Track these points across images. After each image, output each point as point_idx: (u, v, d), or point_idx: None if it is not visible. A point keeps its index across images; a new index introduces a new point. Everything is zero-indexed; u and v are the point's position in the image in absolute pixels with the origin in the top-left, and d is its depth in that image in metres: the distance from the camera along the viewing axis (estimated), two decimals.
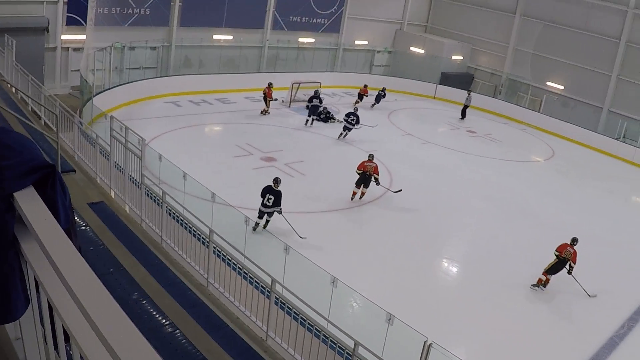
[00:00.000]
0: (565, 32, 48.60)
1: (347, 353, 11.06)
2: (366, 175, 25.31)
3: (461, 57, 55.25)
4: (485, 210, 27.12)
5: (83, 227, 12.86)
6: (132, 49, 37.62)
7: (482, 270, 21.87)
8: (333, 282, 13.63)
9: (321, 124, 36.68)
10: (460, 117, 46.15)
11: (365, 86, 44.37)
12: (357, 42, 53.20)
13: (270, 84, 36.39)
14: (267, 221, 21.92)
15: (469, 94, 47.31)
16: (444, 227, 24.93)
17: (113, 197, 17.34)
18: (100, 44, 33.55)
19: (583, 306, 20.23)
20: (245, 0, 43.34)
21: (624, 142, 43.48)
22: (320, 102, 36.58)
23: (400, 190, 26.44)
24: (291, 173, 27.73)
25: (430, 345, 10.77)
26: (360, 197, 25.70)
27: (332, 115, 37.49)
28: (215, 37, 42.64)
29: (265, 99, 36.71)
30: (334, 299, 13.66)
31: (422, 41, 55.63)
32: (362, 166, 25.33)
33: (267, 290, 12.19)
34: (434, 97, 50.10)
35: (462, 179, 30.15)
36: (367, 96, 43.57)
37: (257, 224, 21.44)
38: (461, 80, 54.23)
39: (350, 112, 35.00)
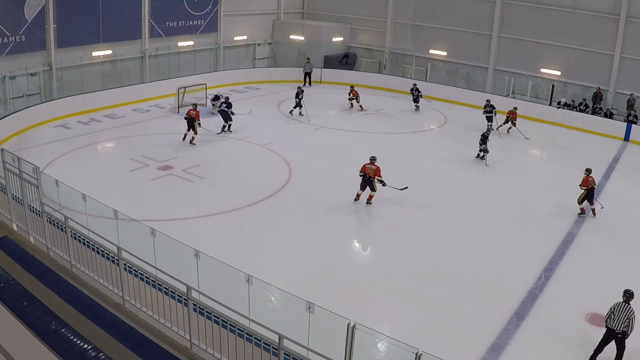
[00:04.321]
0: None
1: (273, 348, 11.08)
2: (366, 178, 25.09)
3: (341, 38, 55.76)
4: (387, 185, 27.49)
5: None
6: (13, 78, 36.78)
7: (392, 244, 22.31)
8: (248, 280, 13.65)
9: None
10: (303, 84, 48.31)
11: (515, 109, 38.67)
12: (236, 38, 53.01)
13: (194, 105, 34.12)
14: (483, 157, 31.44)
15: (308, 61, 49.95)
16: (348, 210, 25.08)
17: (16, 230, 17.13)
18: None
19: (496, 269, 20.72)
20: (119, 12, 42.75)
21: (514, 98, 44.55)
22: (228, 106, 35.68)
23: (407, 187, 26.38)
24: (190, 178, 27.69)
25: (354, 326, 10.86)
26: (368, 201, 25.41)
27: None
28: (94, 53, 41.94)
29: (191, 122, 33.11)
30: (251, 296, 13.70)
31: (300, 28, 55.80)
32: (363, 168, 25.21)
33: (184, 299, 12.19)
34: (321, 82, 50.27)
35: (360, 158, 30.40)
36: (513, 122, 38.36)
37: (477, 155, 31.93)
38: (345, 61, 54.77)
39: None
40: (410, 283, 19.48)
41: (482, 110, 38.16)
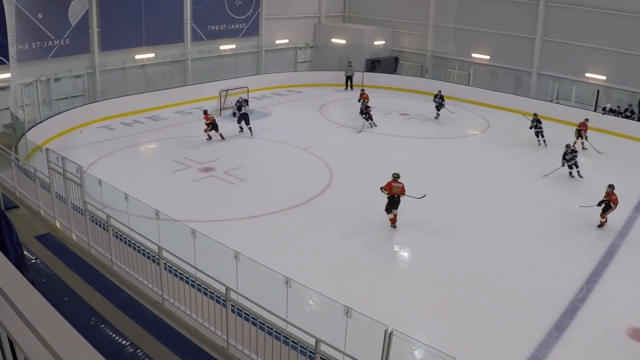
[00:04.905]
0: (482, 1, 49.42)
1: (310, 351, 11.06)
2: (395, 198, 23.37)
3: (383, 42, 55.63)
4: (430, 191, 26.95)
5: (33, 261, 12.90)
6: (58, 80, 37.36)
7: (432, 252, 22.11)
8: (287, 282, 13.69)
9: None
10: (345, 87, 49.47)
11: (587, 120, 36.40)
12: (277, 41, 53.30)
13: (205, 111, 34.84)
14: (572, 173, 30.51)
15: (350, 65, 50.05)
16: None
17: (59, 227, 17.31)
18: (25, 80, 33.30)
19: (537, 279, 20.33)
20: (162, 16, 43.27)
21: (558, 104, 44.00)
22: (247, 107, 36.42)
23: (425, 195, 24.56)
24: (231, 180, 27.83)
25: (391, 333, 10.82)
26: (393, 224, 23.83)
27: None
28: (137, 57, 42.45)
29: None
30: (289, 299, 13.72)
31: (342, 31, 55.90)
32: (389, 188, 23.30)
33: (223, 299, 12.22)
34: (362, 85, 50.00)
35: (402, 162, 30.23)
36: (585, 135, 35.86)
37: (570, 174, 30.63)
38: (386, 64, 54.67)
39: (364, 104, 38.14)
40: (448, 291, 19.27)
41: (530, 126, 36.31)
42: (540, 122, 35.90)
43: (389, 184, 23.32)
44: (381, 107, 42.93)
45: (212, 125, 33.92)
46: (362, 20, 57.64)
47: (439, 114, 41.49)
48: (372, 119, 38.18)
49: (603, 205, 24.36)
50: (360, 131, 37.18)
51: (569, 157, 30.14)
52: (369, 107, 38.02)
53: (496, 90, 47.04)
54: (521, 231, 24.16)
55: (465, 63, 51.01)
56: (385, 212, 23.56)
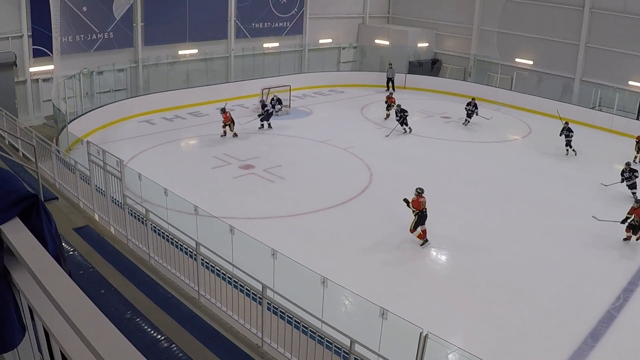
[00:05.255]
0: (527, 5, 48.60)
1: (344, 352, 11.02)
2: (423, 213, 22.21)
3: (427, 44, 55.25)
4: (468, 195, 26.83)
5: (71, 252, 12.97)
6: (101, 73, 37.74)
7: (469, 257, 21.95)
8: (323, 282, 13.65)
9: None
10: (386, 89, 48.12)
11: None
12: (321, 41, 53.33)
13: (222, 109, 35.01)
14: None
15: (390, 67, 49.61)
16: (428, 217, 24.68)
17: (97, 220, 17.42)
18: (68, 72, 33.65)
19: (575, 287, 20.07)
20: (206, 12, 43.47)
21: (600, 111, 43.25)
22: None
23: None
24: (271, 178, 27.82)
25: (426, 336, 10.76)
26: (421, 240, 22.55)
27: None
28: (180, 52, 42.72)
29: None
30: (325, 299, 13.68)
31: (385, 32, 55.68)
32: (417, 205, 22.10)
33: (259, 297, 12.19)
34: (405, 87, 49.94)
35: (442, 166, 30.13)
36: None
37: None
38: (427, 66, 54.40)
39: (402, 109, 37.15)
40: (485, 297, 19.10)
41: (559, 133, 35.18)
42: (572, 131, 34.79)
43: (416, 201, 22.25)
44: (423, 110, 42.91)
45: (232, 123, 34.27)
46: (406, 21, 57.30)
47: (468, 121, 40.73)
48: (407, 124, 37.70)
49: (628, 222, 23.47)
50: (388, 135, 36.79)
51: (627, 175, 28.34)
52: (405, 110, 37.52)
53: (539, 95, 46.56)
54: (557, 238, 23.83)
55: (509, 67, 50.47)
56: (411, 231, 22.46)
